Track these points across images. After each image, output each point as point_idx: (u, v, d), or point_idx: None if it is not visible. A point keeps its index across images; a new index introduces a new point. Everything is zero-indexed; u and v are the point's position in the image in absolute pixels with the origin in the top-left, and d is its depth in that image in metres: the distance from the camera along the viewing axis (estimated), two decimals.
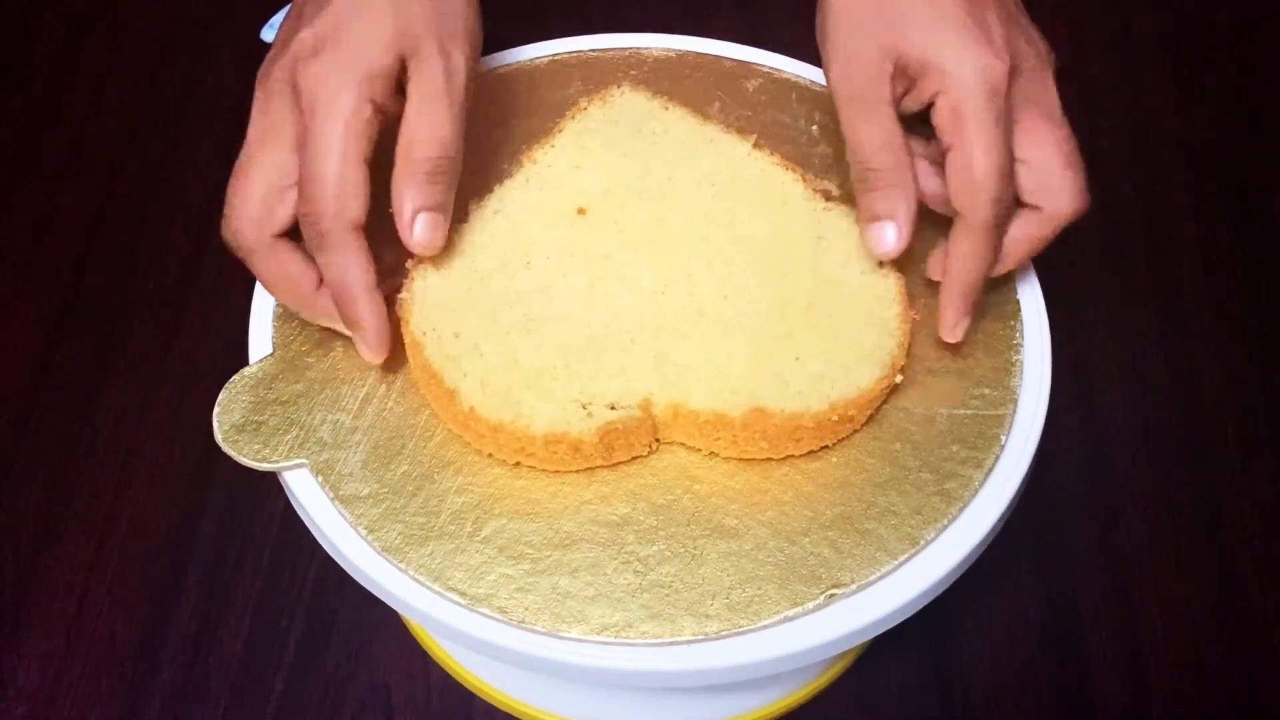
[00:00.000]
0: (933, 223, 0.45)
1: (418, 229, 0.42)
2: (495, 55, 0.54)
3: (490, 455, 0.42)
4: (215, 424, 0.43)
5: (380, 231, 0.42)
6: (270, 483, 0.44)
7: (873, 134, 0.43)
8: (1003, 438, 0.43)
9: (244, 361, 0.45)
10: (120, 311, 0.66)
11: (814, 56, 0.47)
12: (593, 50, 0.54)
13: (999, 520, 0.42)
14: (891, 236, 0.43)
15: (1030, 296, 0.47)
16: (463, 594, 0.40)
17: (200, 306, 0.66)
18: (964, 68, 0.41)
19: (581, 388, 0.42)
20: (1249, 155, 0.72)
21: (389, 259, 0.43)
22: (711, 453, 0.43)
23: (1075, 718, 0.54)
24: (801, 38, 0.48)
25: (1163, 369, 0.64)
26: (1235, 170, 0.71)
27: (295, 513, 0.43)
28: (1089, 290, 0.67)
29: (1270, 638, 0.56)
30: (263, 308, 0.46)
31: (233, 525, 0.59)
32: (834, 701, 0.55)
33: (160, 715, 0.54)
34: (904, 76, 0.43)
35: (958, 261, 0.43)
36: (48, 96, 0.74)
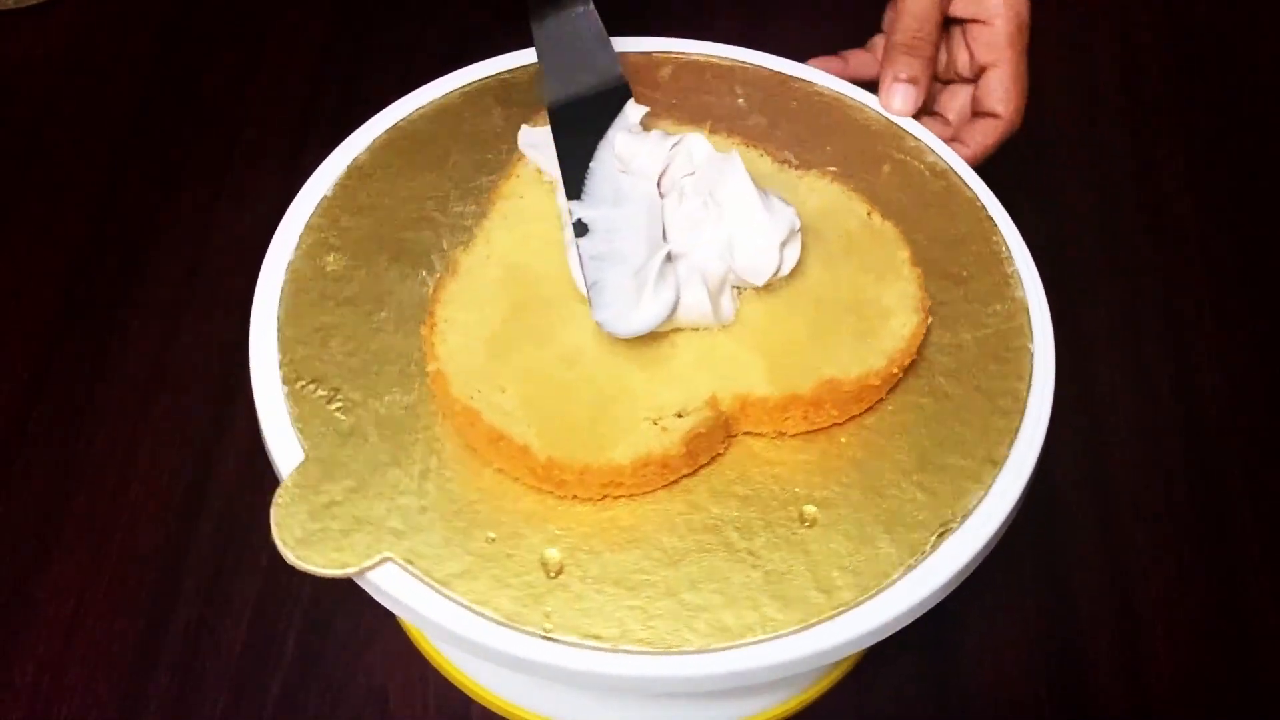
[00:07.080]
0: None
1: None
2: (413, 95, 0.52)
3: (574, 496, 0.42)
4: (279, 544, 0.40)
5: None
6: (268, 484, 0.42)
7: (918, 9, 0.54)
8: (1029, 345, 0.45)
9: (243, 368, 0.44)
10: (120, 312, 0.64)
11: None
12: (500, 74, 0.53)
13: (1049, 421, 0.44)
14: (908, 96, 0.53)
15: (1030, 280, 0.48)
16: (599, 637, 0.39)
17: (200, 307, 0.64)
18: (1010, 6, 0.55)
19: (645, 405, 0.42)
20: (1249, 156, 0.73)
21: None
22: (780, 433, 0.43)
23: None
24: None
25: (1164, 373, 0.64)
26: (1235, 170, 0.72)
27: None
28: (1089, 295, 0.67)
29: (1272, 642, 0.56)
30: (275, 417, 0.43)
31: (230, 528, 0.57)
32: (832, 708, 0.54)
33: (157, 717, 0.53)
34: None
35: (983, 144, 0.56)
36: (48, 97, 0.72)
